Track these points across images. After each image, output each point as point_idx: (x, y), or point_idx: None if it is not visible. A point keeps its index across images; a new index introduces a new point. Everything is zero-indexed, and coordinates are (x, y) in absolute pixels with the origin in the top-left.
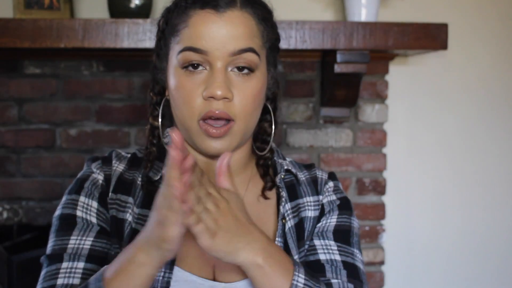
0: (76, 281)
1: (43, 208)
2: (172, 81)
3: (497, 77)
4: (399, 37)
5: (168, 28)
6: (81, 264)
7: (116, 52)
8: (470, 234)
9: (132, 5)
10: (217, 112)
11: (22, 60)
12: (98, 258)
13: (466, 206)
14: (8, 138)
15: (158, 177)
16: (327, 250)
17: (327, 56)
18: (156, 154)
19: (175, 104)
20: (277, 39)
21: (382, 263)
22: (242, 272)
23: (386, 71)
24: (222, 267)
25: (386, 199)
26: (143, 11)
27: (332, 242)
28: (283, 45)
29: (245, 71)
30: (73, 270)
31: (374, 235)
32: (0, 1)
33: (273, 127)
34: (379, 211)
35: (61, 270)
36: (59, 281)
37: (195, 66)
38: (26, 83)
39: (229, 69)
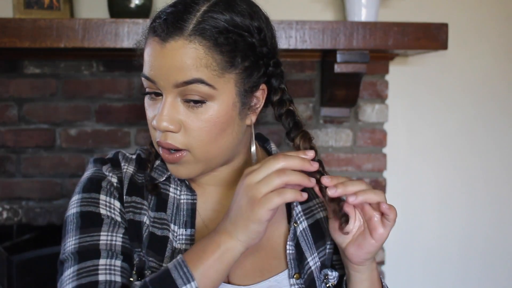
0: (118, 278)
1: (43, 208)
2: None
3: (497, 77)
4: (399, 37)
5: None
6: (118, 262)
7: (116, 52)
8: (471, 233)
9: (132, 5)
10: (163, 143)
11: (22, 60)
12: (128, 256)
13: (467, 206)
14: (8, 138)
15: (164, 178)
16: None
17: (327, 56)
18: (156, 154)
19: None
20: (262, 56)
21: (382, 263)
22: (259, 275)
23: (386, 71)
24: (239, 270)
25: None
26: (143, 11)
27: None
28: (283, 45)
29: (196, 103)
30: (112, 267)
31: None
32: (0, 1)
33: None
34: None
35: (100, 266)
36: (101, 278)
37: (156, 94)
38: (26, 83)
39: (179, 99)
